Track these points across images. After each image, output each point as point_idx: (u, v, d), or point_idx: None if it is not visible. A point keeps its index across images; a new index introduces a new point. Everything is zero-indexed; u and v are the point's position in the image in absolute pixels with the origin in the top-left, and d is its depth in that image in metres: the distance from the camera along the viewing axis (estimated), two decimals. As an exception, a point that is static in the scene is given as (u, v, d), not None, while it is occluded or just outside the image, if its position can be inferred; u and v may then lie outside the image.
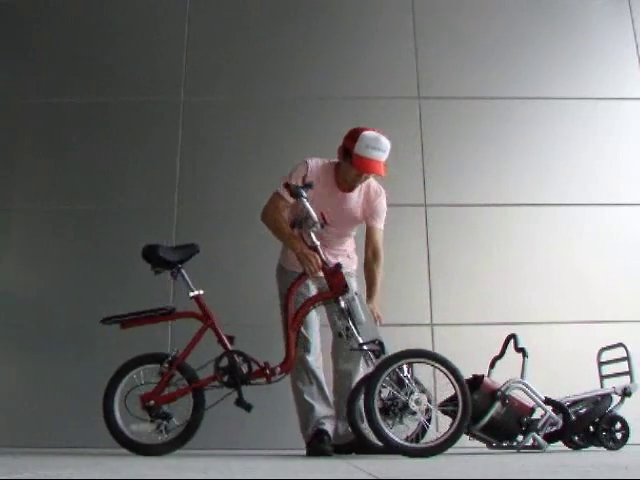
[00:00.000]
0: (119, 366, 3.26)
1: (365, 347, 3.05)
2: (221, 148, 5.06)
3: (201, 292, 3.34)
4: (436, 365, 2.98)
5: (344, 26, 5.37)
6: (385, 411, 2.96)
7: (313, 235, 3.21)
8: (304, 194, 3.19)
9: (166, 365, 3.22)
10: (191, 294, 3.32)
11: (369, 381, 2.96)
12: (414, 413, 2.96)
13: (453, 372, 2.95)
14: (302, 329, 3.33)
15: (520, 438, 3.54)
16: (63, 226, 4.88)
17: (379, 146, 3.25)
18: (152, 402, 3.17)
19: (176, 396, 3.21)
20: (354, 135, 3.29)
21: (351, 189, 3.43)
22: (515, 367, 3.57)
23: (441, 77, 5.23)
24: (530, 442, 3.54)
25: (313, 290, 3.49)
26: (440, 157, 5.01)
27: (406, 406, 2.95)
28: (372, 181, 3.49)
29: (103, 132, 5.08)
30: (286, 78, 5.22)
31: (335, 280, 3.18)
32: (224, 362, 3.21)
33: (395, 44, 5.30)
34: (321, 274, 3.25)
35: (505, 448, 3.57)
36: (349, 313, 3.09)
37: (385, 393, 3.00)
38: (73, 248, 4.84)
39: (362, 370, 3.52)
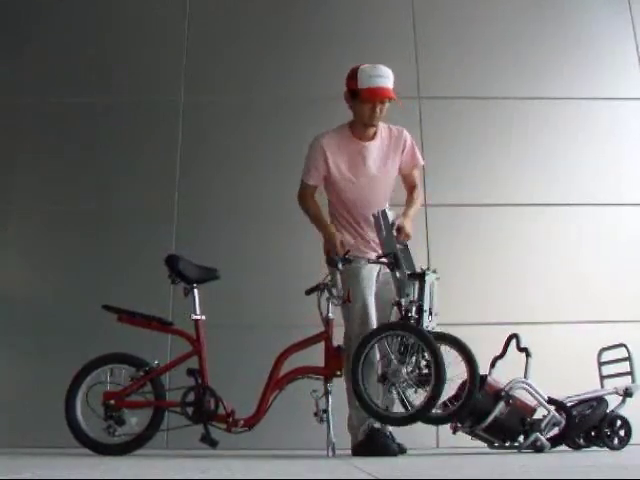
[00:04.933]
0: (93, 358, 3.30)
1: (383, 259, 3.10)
2: (221, 148, 5.06)
3: (203, 317, 3.33)
4: (413, 337, 2.96)
5: (344, 26, 5.36)
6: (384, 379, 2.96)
7: (330, 306, 3.20)
8: (340, 267, 3.15)
9: (141, 373, 3.22)
10: (193, 316, 3.31)
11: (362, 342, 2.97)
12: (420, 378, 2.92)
13: (426, 341, 2.93)
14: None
15: (522, 438, 3.53)
16: (63, 226, 4.88)
17: (380, 72, 3.32)
18: (112, 402, 3.16)
19: (138, 406, 3.21)
20: (353, 73, 3.35)
21: (372, 134, 3.43)
22: (514, 367, 3.55)
23: (441, 77, 5.22)
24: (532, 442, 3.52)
25: (374, 277, 3.34)
26: (440, 157, 4.99)
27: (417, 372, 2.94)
28: (389, 125, 3.51)
29: (103, 132, 5.07)
30: (286, 78, 5.21)
31: (333, 360, 3.18)
32: (191, 396, 3.17)
33: (395, 44, 5.28)
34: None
35: (507, 448, 3.56)
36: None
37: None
38: (73, 248, 4.83)
39: None
